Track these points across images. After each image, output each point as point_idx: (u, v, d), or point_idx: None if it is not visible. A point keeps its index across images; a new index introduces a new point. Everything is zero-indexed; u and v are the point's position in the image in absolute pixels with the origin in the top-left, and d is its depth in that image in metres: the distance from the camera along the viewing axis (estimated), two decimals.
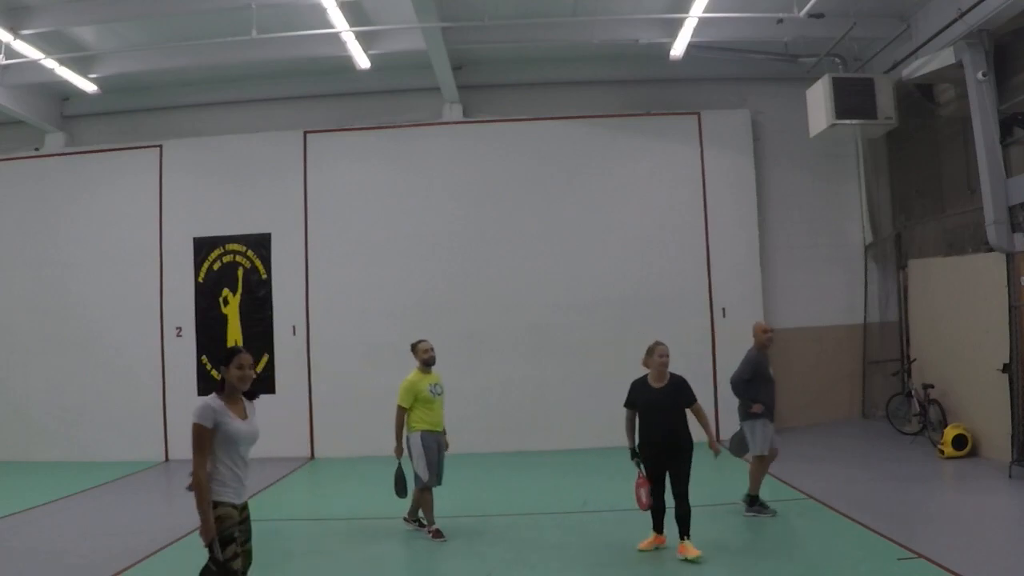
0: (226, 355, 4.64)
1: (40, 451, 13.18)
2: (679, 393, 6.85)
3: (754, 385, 7.99)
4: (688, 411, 6.85)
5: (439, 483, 7.86)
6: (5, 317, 13.66)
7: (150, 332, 13.37)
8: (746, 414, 8.02)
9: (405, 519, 8.17)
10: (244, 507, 4.59)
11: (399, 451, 7.80)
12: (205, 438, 4.39)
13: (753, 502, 8.02)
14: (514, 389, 12.93)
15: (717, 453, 6.98)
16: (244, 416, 4.59)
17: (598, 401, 12.69)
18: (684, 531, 6.69)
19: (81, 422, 13.27)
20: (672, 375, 6.90)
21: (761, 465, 8.04)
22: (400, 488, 7.91)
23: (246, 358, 4.64)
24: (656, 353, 6.84)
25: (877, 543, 6.84)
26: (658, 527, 6.92)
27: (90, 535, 8.33)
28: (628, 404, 6.96)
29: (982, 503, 8.31)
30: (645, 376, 6.95)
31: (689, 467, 6.75)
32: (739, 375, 8.09)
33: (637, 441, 6.84)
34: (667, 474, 6.77)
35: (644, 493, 6.77)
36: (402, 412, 7.72)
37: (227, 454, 4.47)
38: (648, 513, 6.89)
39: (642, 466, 6.81)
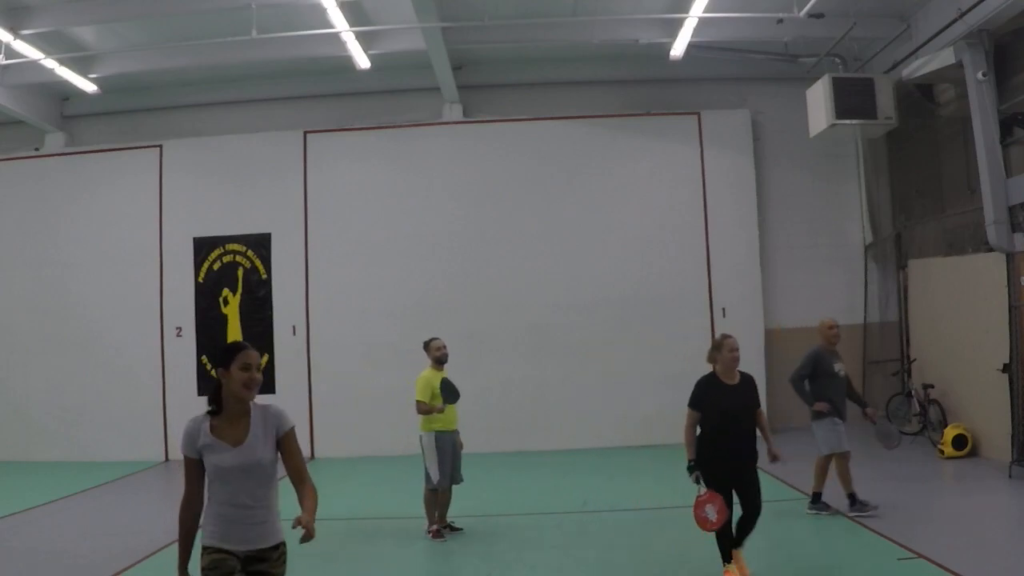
0: (225, 354, 3.56)
1: (40, 451, 13.17)
2: (753, 392, 6.10)
3: (817, 383, 7.93)
4: None
5: (461, 480, 7.84)
6: (5, 317, 13.66)
7: (150, 332, 13.38)
8: (813, 413, 7.95)
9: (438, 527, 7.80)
10: (259, 553, 3.58)
11: (439, 408, 7.54)
12: (188, 469, 3.60)
13: (816, 499, 7.96)
14: (514, 389, 12.93)
15: (777, 459, 6.17)
16: (241, 440, 3.54)
17: (598, 401, 12.78)
18: (741, 540, 6.07)
19: (81, 422, 13.26)
20: (742, 372, 6.12)
21: (829, 463, 7.90)
22: None
23: (252, 355, 3.57)
24: (726, 347, 6.02)
25: (877, 543, 6.84)
26: (729, 552, 5.94)
27: (90, 535, 8.33)
28: (694, 404, 5.99)
29: (982, 503, 8.31)
30: (712, 373, 6.09)
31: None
32: (796, 372, 8.05)
33: (697, 447, 5.97)
34: (732, 484, 5.93)
35: (714, 509, 5.70)
36: (423, 404, 7.58)
37: (216, 489, 3.56)
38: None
39: (703, 480, 5.83)
